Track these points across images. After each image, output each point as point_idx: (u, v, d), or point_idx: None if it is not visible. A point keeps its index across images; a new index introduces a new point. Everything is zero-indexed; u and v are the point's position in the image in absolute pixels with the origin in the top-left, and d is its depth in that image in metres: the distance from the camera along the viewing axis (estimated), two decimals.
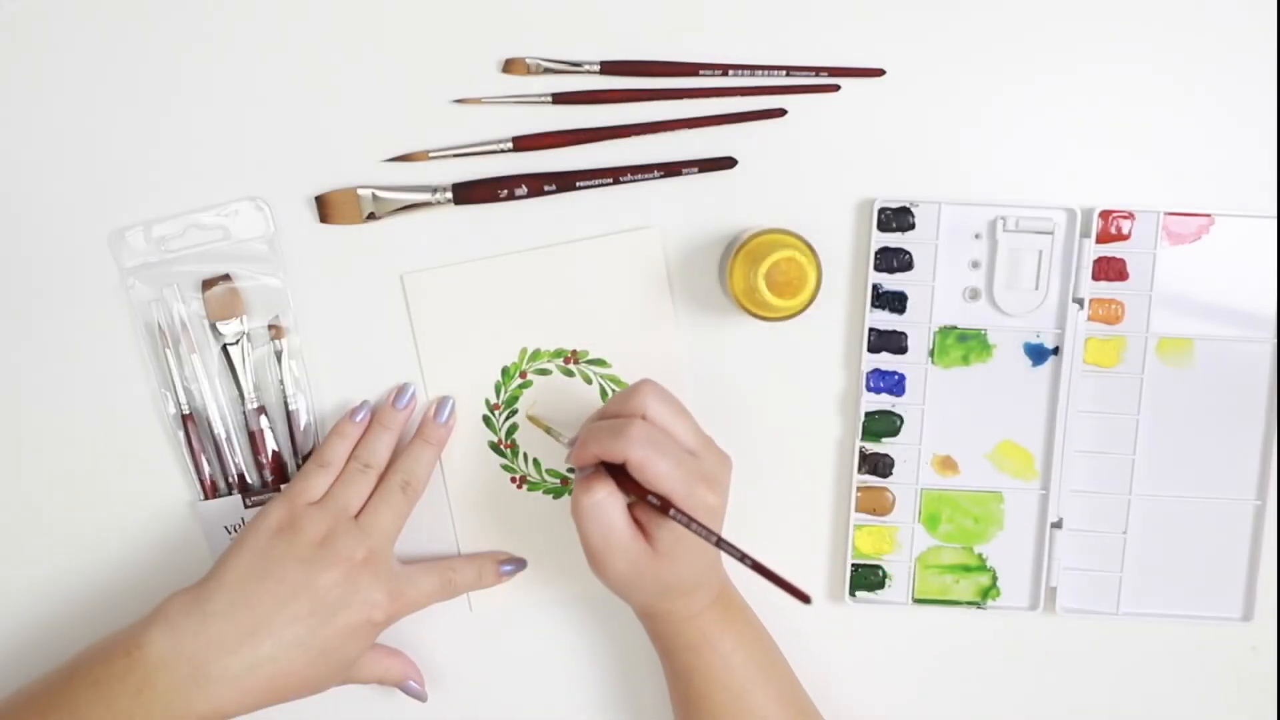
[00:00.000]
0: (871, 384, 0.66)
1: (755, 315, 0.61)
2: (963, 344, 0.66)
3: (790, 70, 0.64)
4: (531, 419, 0.66)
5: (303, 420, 0.66)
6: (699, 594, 0.60)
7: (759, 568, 0.53)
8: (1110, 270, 0.65)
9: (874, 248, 0.65)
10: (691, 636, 0.60)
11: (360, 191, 0.64)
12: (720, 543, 0.54)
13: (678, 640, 0.61)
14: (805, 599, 0.52)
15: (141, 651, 0.57)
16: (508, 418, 0.67)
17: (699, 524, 0.55)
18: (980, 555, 0.68)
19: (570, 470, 0.66)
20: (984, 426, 0.67)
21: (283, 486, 0.66)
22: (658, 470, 0.55)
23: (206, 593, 0.59)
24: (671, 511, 0.55)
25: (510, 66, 0.64)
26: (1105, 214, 0.65)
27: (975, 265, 0.65)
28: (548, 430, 0.65)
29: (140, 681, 0.57)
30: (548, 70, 0.64)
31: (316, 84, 0.64)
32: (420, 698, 0.66)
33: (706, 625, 0.60)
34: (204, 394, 0.65)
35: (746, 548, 0.54)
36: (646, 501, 0.55)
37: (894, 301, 0.65)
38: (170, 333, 0.65)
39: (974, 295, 0.66)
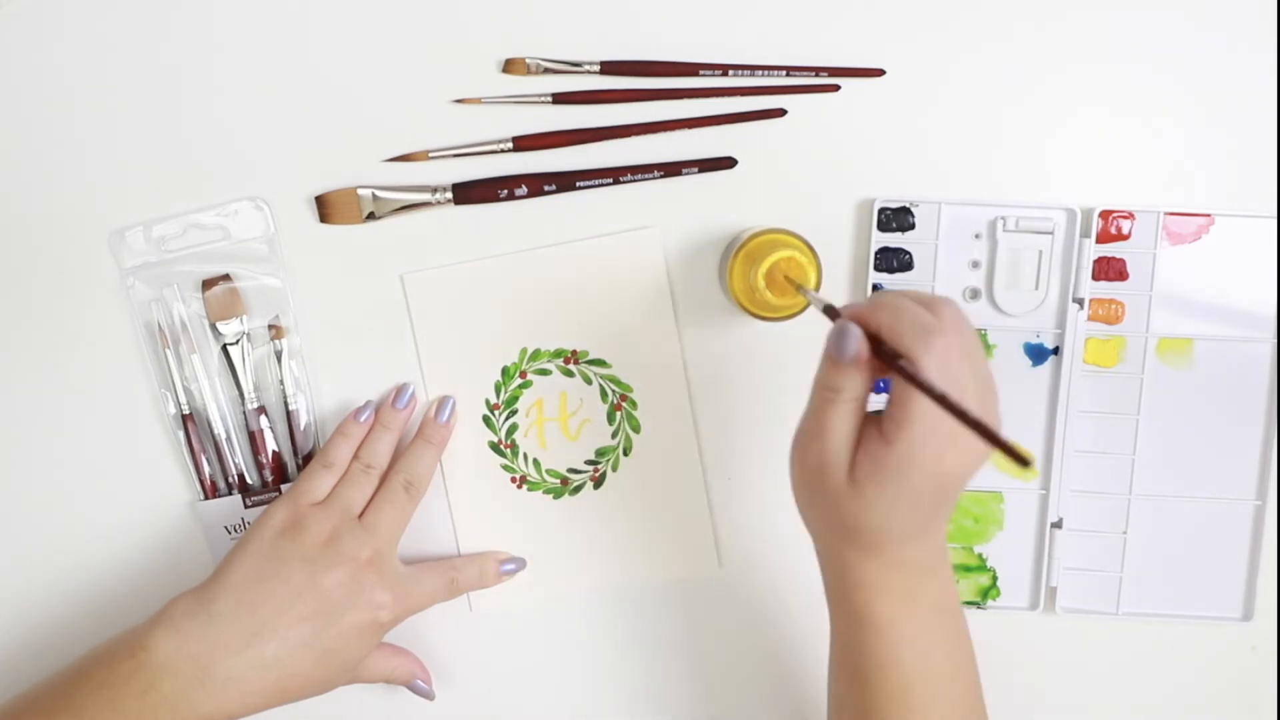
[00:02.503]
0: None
1: (755, 315, 0.61)
2: None
3: (790, 70, 0.64)
4: (796, 286, 0.59)
5: (303, 420, 0.66)
6: (883, 557, 0.51)
7: (985, 431, 0.44)
8: (1110, 270, 0.65)
9: (874, 248, 0.65)
10: (857, 606, 0.52)
11: (360, 191, 0.64)
12: (949, 405, 0.45)
13: (842, 604, 0.53)
14: (1025, 461, 0.41)
15: (147, 653, 0.57)
16: (508, 418, 0.67)
17: (940, 392, 0.45)
18: (980, 555, 0.68)
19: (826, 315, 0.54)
20: None
21: (283, 487, 0.66)
22: (920, 377, 0.47)
23: (211, 594, 0.59)
24: (930, 385, 0.46)
25: (510, 66, 0.64)
26: (1105, 214, 0.65)
27: (975, 265, 0.65)
28: (798, 287, 0.58)
29: (146, 683, 0.57)
30: (548, 70, 0.64)
31: (316, 84, 0.64)
32: (428, 696, 0.66)
33: (878, 603, 0.51)
34: (204, 394, 0.65)
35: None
36: (898, 370, 0.47)
37: None
38: (170, 333, 0.65)
39: (974, 295, 0.66)
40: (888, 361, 0.48)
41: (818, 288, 0.59)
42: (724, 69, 0.64)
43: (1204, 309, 0.66)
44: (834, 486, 0.49)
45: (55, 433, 0.66)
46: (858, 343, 0.49)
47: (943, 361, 0.47)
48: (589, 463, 0.67)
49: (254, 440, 0.66)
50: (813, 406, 0.51)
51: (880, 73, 0.64)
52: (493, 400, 0.67)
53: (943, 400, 0.45)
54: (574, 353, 0.67)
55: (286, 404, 0.66)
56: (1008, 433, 0.66)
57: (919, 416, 0.47)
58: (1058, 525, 0.67)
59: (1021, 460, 0.41)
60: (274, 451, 0.66)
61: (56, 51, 0.64)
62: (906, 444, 0.47)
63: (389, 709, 0.68)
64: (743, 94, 0.64)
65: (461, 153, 0.64)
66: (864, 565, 0.51)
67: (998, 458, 0.43)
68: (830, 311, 0.53)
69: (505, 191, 0.64)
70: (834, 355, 0.50)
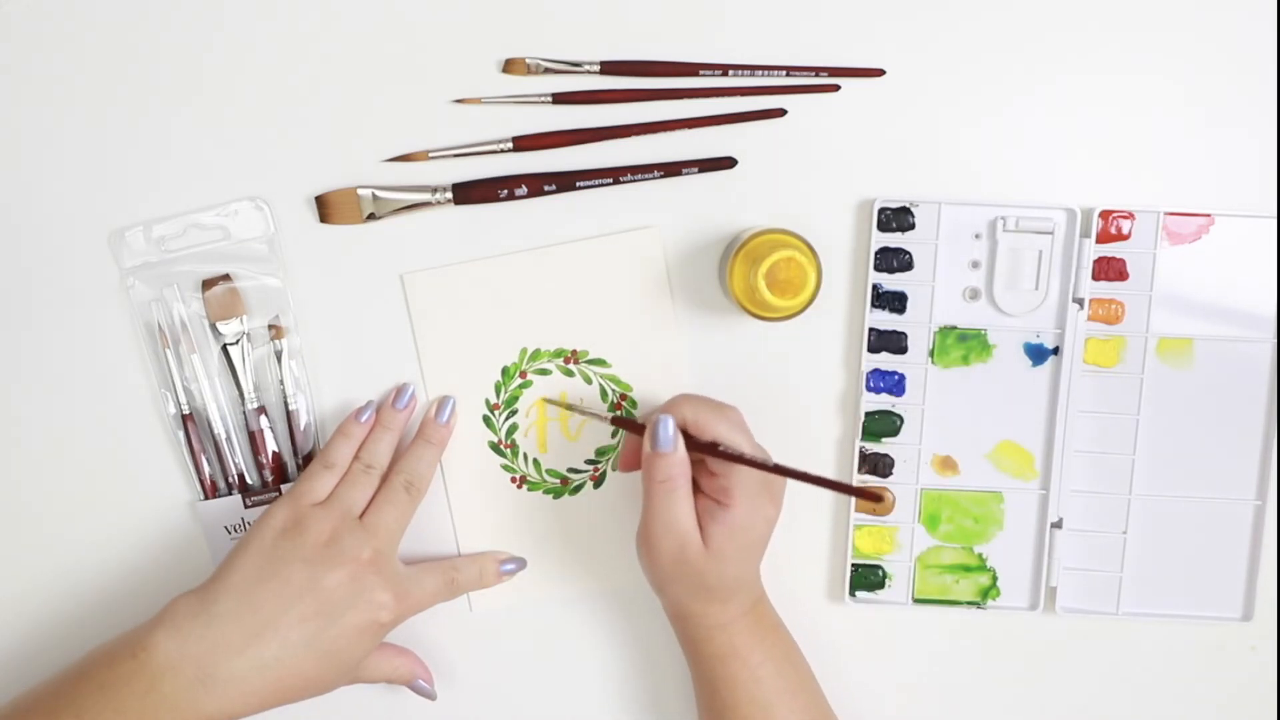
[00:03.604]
0: (871, 384, 0.66)
1: (755, 315, 0.61)
2: (963, 344, 0.66)
3: (790, 70, 0.64)
4: (551, 402, 0.66)
5: (303, 420, 0.66)
6: (734, 601, 0.61)
7: (822, 481, 0.56)
8: (1110, 270, 0.65)
9: (874, 248, 0.65)
10: (721, 645, 0.61)
11: (360, 191, 0.64)
12: (778, 468, 0.57)
13: (708, 648, 0.61)
14: (878, 498, 0.55)
15: (148, 654, 0.57)
16: (508, 418, 0.67)
17: (763, 459, 0.58)
18: (980, 555, 0.68)
19: (614, 426, 0.66)
20: (984, 426, 0.67)
21: (283, 487, 0.66)
22: (741, 451, 0.58)
23: (212, 594, 0.59)
24: (748, 456, 0.57)
25: (510, 66, 0.64)
26: (1105, 214, 0.65)
27: (975, 265, 0.65)
28: (570, 408, 0.66)
29: (147, 684, 0.57)
30: (548, 70, 0.64)
31: (317, 84, 0.64)
32: (429, 696, 0.66)
33: (737, 636, 0.61)
34: (204, 394, 0.65)
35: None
36: (717, 452, 0.58)
37: (894, 301, 0.66)
38: (170, 333, 0.65)
39: (974, 295, 0.66)
40: (704, 450, 0.58)
41: (818, 287, 0.59)
42: (724, 69, 0.64)
43: (1204, 309, 0.66)
44: (694, 560, 0.58)
45: (55, 433, 0.66)
46: (673, 430, 0.58)
47: (741, 427, 0.60)
48: (589, 463, 0.68)
49: (254, 440, 0.66)
50: (654, 504, 0.59)
51: (880, 73, 0.64)
52: (493, 400, 0.67)
53: (766, 465, 0.57)
54: (574, 353, 0.67)
55: (286, 404, 0.66)
56: (1009, 433, 0.68)
57: (743, 480, 0.58)
58: (1058, 525, 0.67)
59: (874, 496, 0.54)
60: (274, 451, 0.66)
61: (57, 51, 0.64)
62: (742, 503, 0.58)
63: (390, 709, 0.68)
64: (743, 94, 0.64)
65: (461, 153, 0.64)
66: (722, 612, 0.60)
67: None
68: (617, 421, 0.64)
69: (505, 191, 0.64)
70: (657, 448, 0.58)
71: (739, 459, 0.58)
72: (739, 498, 0.58)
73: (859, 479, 0.67)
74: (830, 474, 0.67)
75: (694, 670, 0.63)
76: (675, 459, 0.58)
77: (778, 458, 0.59)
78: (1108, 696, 0.69)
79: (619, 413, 0.67)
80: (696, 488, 0.60)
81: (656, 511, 0.59)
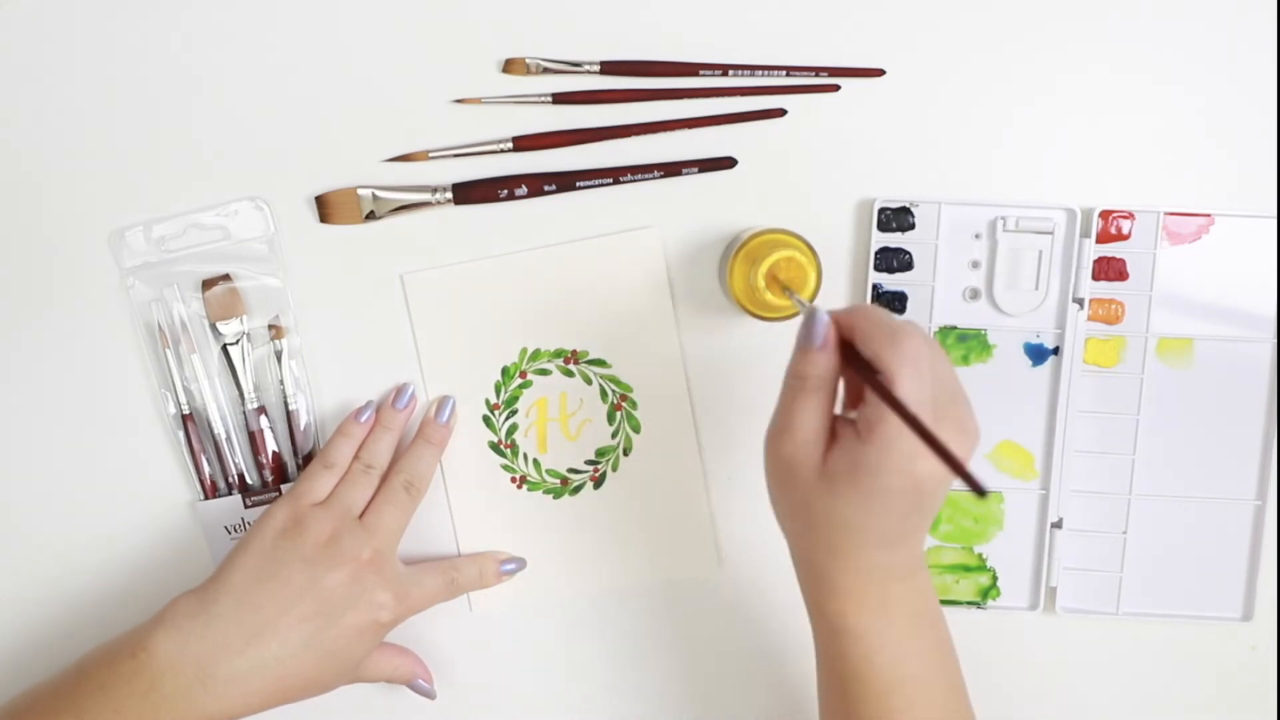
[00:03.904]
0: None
1: (755, 315, 0.61)
2: (963, 344, 0.66)
3: (790, 70, 0.64)
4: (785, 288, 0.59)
5: (303, 420, 0.66)
6: (855, 557, 0.51)
7: (958, 468, 0.43)
8: (1110, 270, 0.65)
9: (874, 248, 0.65)
10: (831, 616, 0.52)
11: (360, 191, 0.64)
12: (922, 430, 0.44)
13: (818, 618, 0.54)
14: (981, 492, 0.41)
15: (148, 654, 0.57)
16: (508, 418, 0.67)
17: (905, 409, 0.46)
18: (980, 555, 0.68)
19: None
20: (984, 426, 0.66)
21: (283, 487, 0.66)
22: (905, 386, 0.47)
23: (212, 594, 0.59)
24: (896, 400, 0.46)
25: (510, 66, 0.64)
26: (1105, 214, 0.65)
27: (975, 265, 0.65)
28: (786, 287, 0.58)
29: (147, 684, 0.57)
30: (548, 70, 0.64)
31: (316, 84, 0.64)
32: (429, 695, 0.66)
33: (852, 611, 0.52)
34: (204, 394, 0.65)
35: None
36: (866, 375, 0.48)
37: (894, 301, 0.66)
38: (170, 333, 0.65)
39: (974, 295, 0.66)
40: (859, 372, 0.49)
41: (818, 287, 0.59)
42: (724, 69, 0.64)
43: (1204, 309, 0.66)
44: (805, 479, 0.50)
45: (55, 433, 0.66)
46: (826, 328, 0.50)
47: (914, 361, 0.48)
48: (589, 463, 0.68)
49: (254, 440, 0.66)
50: (782, 398, 0.51)
51: (880, 73, 0.64)
52: (493, 400, 0.67)
53: (911, 421, 0.45)
54: (574, 353, 0.67)
55: (286, 404, 0.66)
56: (1009, 433, 0.67)
57: (890, 418, 0.47)
58: (1058, 525, 0.67)
59: (978, 491, 0.41)
60: (274, 451, 0.66)
61: (57, 51, 0.64)
62: (880, 440, 0.47)
63: (390, 709, 0.68)
64: (743, 94, 0.64)
65: (461, 153, 0.64)
66: (837, 571, 0.51)
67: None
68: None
69: (505, 191, 0.64)
70: (803, 342, 0.50)
71: (883, 395, 0.47)
72: (879, 436, 0.47)
73: None
74: None
75: (814, 635, 0.56)
76: (818, 360, 0.50)
77: None
78: (1108, 696, 0.69)
79: (619, 414, 0.66)
80: (847, 405, 0.51)
81: (783, 409, 0.51)
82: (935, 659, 0.54)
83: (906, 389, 0.47)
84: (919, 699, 0.53)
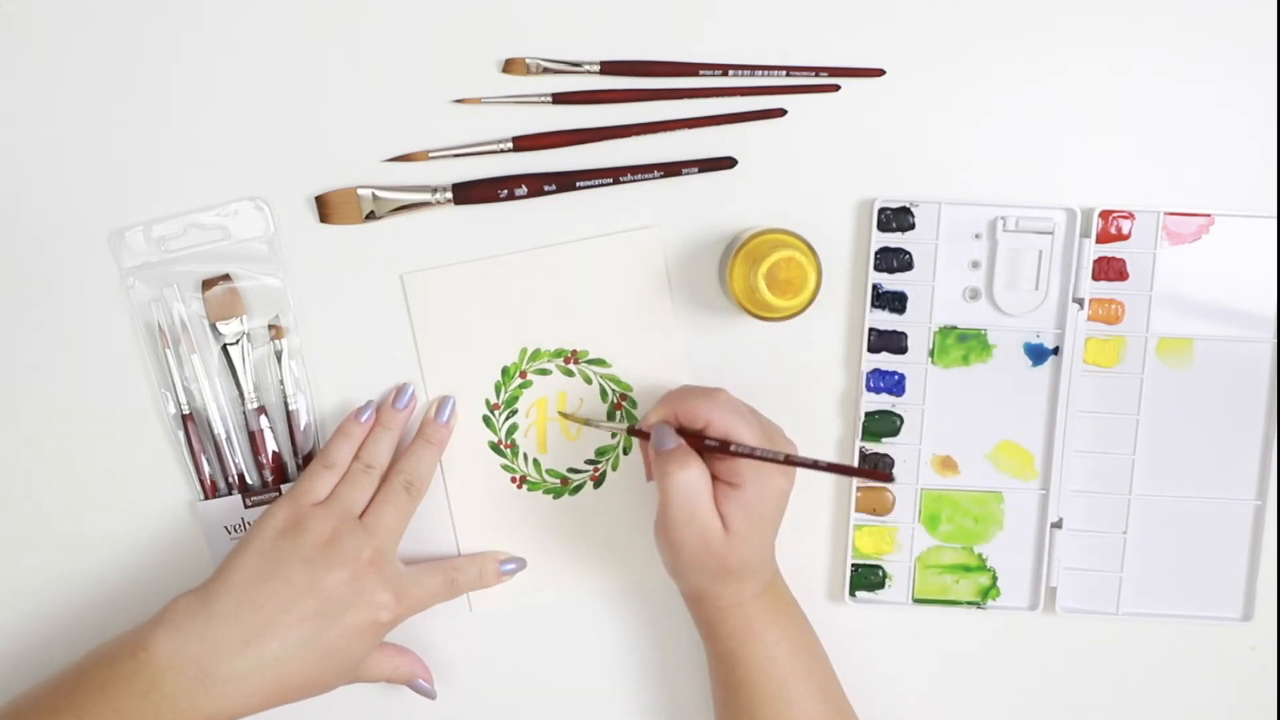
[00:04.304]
0: (871, 384, 0.66)
1: (755, 315, 0.61)
2: (963, 344, 0.66)
3: (790, 70, 0.64)
4: (565, 415, 0.67)
5: (303, 420, 0.66)
6: (752, 580, 0.61)
7: (835, 467, 0.59)
8: (1110, 270, 0.65)
9: (874, 248, 0.65)
10: (738, 624, 0.61)
11: (360, 191, 0.64)
12: (789, 459, 0.58)
13: (724, 626, 0.61)
14: (888, 478, 0.61)
15: (148, 654, 0.57)
16: (508, 418, 0.67)
17: (772, 452, 0.58)
18: (980, 555, 0.68)
19: (630, 436, 0.65)
20: (984, 426, 0.67)
21: (283, 487, 0.66)
22: (740, 434, 0.58)
23: (212, 594, 0.59)
24: (759, 451, 0.58)
25: (510, 66, 0.64)
26: (1105, 214, 0.65)
27: (975, 265, 0.65)
28: (585, 422, 0.66)
29: (147, 684, 0.57)
30: (548, 70, 0.64)
31: (316, 84, 0.64)
32: (429, 695, 0.66)
33: (754, 614, 0.61)
34: (204, 394, 0.65)
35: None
36: (728, 451, 0.58)
37: (894, 301, 0.66)
38: (170, 333, 0.65)
39: (974, 295, 0.66)
40: (703, 445, 0.59)
41: (818, 287, 0.59)
42: (724, 69, 0.64)
43: (1204, 309, 0.66)
44: (717, 547, 0.58)
45: (55, 433, 0.66)
46: (669, 431, 0.59)
47: (733, 409, 0.59)
48: (589, 463, 0.68)
49: (254, 440, 0.66)
50: (671, 501, 0.58)
51: (880, 73, 0.64)
52: (493, 400, 0.67)
53: (763, 455, 0.57)
54: (574, 353, 0.67)
55: (286, 404, 0.66)
56: (1009, 433, 0.67)
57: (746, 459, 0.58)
58: (1058, 525, 0.67)
59: (886, 477, 0.57)
60: (274, 451, 0.66)
61: (57, 51, 0.64)
62: (753, 481, 0.58)
63: (390, 709, 0.68)
64: (743, 94, 0.64)
65: (461, 153, 0.64)
66: (739, 590, 0.60)
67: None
68: (632, 431, 0.63)
69: (505, 191, 0.64)
70: (660, 448, 0.59)
71: (736, 453, 0.58)
72: (749, 477, 0.58)
73: (859, 479, 0.67)
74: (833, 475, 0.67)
75: (709, 650, 0.63)
76: (680, 456, 0.58)
77: None
78: (1108, 696, 0.69)
79: (619, 413, 0.66)
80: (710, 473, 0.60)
81: (676, 506, 0.58)
82: (813, 639, 0.64)
83: (742, 433, 0.58)
84: (810, 683, 0.62)
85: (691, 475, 0.58)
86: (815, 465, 0.58)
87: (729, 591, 0.60)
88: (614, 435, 0.67)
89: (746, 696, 0.61)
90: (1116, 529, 0.67)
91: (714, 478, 0.59)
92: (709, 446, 0.59)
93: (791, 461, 0.58)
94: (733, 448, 0.58)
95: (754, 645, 0.61)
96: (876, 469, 0.60)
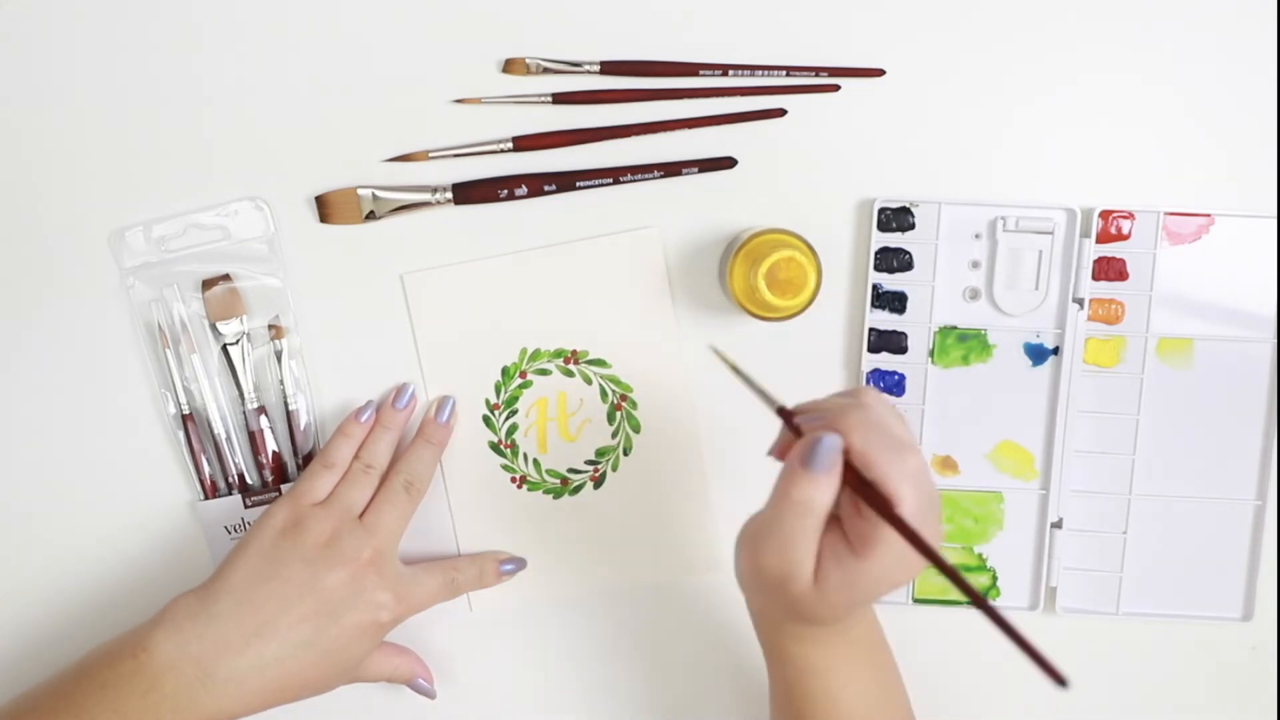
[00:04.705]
0: (871, 384, 0.66)
1: (755, 315, 0.61)
2: (963, 344, 0.66)
3: (790, 70, 0.64)
4: (718, 352, 0.56)
5: (303, 420, 0.66)
6: (827, 630, 0.53)
7: (1013, 635, 0.44)
8: (1110, 270, 0.65)
9: (874, 248, 0.65)
10: (806, 661, 0.54)
11: (360, 191, 0.64)
12: (935, 557, 0.46)
13: (788, 654, 0.54)
14: (1062, 681, 0.44)
15: (148, 654, 0.57)
16: (508, 418, 0.67)
17: (919, 538, 0.46)
18: (980, 555, 0.68)
19: (778, 416, 0.53)
20: (984, 426, 0.67)
21: (283, 487, 0.66)
22: (905, 500, 0.47)
23: (212, 594, 0.59)
24: (917, 538, 0.46)
25: (510, 66, 0.64)
26: (1105, 214, 0.65)
27: (975, 265, 0.65)
28: (735, 371, 0.55)
29: (147, 684, 0.57)
30: (548, 70, 0.64)
31: (316, 84, 0.64)
32: (429, 695, 0.66)
33: (827, 654, 0.54)
34: (204, 394, 0.65)
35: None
36: (884, 514, 0.47)
37: (894, 301, 0.66)
38: (170, 333, 0.65)
39: (974, 295, 0.66)
40: (859, 491, 0.48)
41: (818, 287, 0.59)
42: (724, 69, 0.64)
43: (1204, 309, 0.66)
44: (796, 593, 0.49)
45: (55, 433, 0.66)
46: (834, 456, 0.48)
47: (916, 483, 0.48)
48: (589, 463, 0.68)
49: (254, 440, 0.66)
50: (778, 515, 0.49)
51: (880, 73, 0.64)
52: (493, 400, 0.67)
53: (917, 543, 0.46)
54: (574, 353, 0.67)
55: (286, 404, 0.66)
56: (1009, 433, 0.67)
57: (889, 537, 0.47)
58: (1058, 525, 0.67)
59: (1059, 679, 0.44)
60: (274, 451, 0.66)
61: (57, 51, 0.64)
62: (878, 558, 0.48)
63: (390, 709, 0.68)
64: (743, 94, 0.64)
65: (461, 153, 0.64)
66: (816, 632, 0.53)
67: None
68: (783, 413, 0.52)
69: (505, 191, 0.64)
70: (807, 465, 0.48)
71: (893, 522, 0.47)
72: (878, 555, 0.48)
73: None
74: None
75: (770, 670, 0.57)
76: (822, 485, 0.48)
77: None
78: (1108, 696, 0.69)
79: (619, 414, 0.66)
80: (833, 516, 0.50)
81: (777, 528, 0.49)
82: (889, 686, 0.57)
83: (909, 510, 0.47)
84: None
85: (812, 510, 0.48)
86: (992, 616, 0.44)
87: (797, 631, 0.53)
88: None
89: None
90: (1116, 529, 0.67)
91: (837, 525, 0.50)
92: (863, 491, 0.48)
93: (939, 564, 0.46)
94: (882, 496, 0.47)
95: (819, 684, 0.54)
96: (1050, 668, 0.45)
